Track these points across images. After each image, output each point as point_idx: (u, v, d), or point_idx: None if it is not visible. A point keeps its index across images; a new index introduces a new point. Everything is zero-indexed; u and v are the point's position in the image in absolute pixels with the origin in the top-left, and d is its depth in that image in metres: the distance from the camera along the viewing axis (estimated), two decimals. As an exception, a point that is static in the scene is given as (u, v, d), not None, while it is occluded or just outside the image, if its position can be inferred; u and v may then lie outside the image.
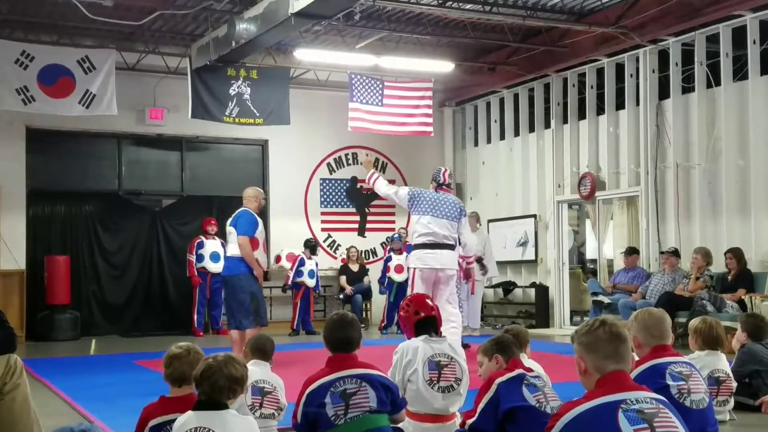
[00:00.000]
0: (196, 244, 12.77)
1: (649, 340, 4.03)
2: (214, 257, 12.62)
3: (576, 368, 2.73)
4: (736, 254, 9.72)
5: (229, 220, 8.31)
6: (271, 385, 4.44)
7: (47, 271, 12.16)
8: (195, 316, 12.63)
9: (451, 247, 7.67)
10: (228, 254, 8.21)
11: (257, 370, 4.43)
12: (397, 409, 3.91)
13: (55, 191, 12.87)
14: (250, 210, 8.23)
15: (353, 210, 14.75)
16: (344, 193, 14.68)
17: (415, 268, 7.60)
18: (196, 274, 12.66)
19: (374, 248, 14.70)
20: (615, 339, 2.68)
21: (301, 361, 7.85)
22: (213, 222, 12.95)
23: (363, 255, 14.21)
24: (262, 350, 4.61)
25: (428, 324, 4.49)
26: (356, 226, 14.76)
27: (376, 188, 8.11)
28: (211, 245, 12.76)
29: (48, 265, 12.19)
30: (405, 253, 12.04)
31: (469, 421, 3.88)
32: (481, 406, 3.83)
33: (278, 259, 13.63)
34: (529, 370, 3.96)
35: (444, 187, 7.88)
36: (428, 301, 4.70)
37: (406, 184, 14.35)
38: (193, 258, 12.69)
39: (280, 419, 4.48)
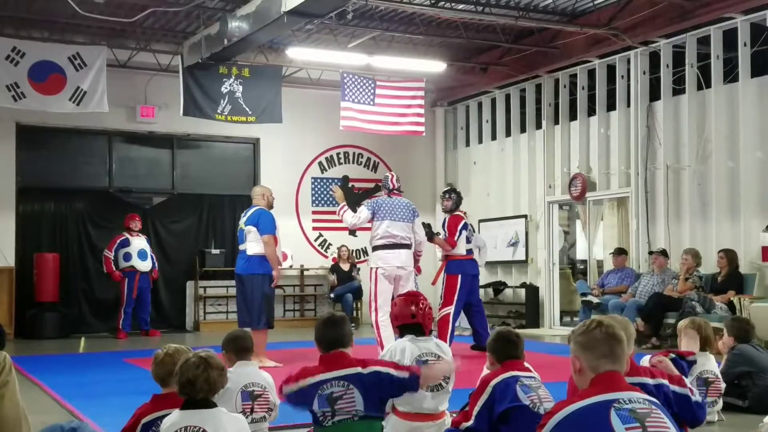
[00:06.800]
0: (119, 241, 12.15)
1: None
2: (142, 255, 12.20)
3: (571, 367, 2.75)
4: (728, 255, 9.76)
5: (243, 218, 8.34)
6: (261, 387, 4.34)
7: (36, 268, 12.11)
8: (121, 317, 12.01)
9: (408, 247, 8.22)
10: (248, 253, 8.21)
11: (246, 372, 4.33)
12: (410, 385, 3.84)
13: (45, 188, 12.82)
14: (264, 208, 8.27)
15: (344, 209, 14.71)
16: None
17: (377, 268, 8.08)
18: (114, 270, 11.99)
19: (365, 247, 14.65)
20: (610, 339, 2.71)
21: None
22: (137, 218, 12.41)
23: (354, 254, 14.20)
24: (246, 349, 4.48)
25: (416, 327, 4.50)
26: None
27: (344, 221, 8.57)
28: (138, 243, 12.24)
29: (37, 262, 12.14)
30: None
31: (466, 424, 3.89)
32: (476, 409, 3.84)
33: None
34: (526, 370, 3.97)
35: (395, 191, 8.41)
36: (423, 304, 4.62)
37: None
38: (111, 255, 12.04)
39: (272, 420, 4.41)
